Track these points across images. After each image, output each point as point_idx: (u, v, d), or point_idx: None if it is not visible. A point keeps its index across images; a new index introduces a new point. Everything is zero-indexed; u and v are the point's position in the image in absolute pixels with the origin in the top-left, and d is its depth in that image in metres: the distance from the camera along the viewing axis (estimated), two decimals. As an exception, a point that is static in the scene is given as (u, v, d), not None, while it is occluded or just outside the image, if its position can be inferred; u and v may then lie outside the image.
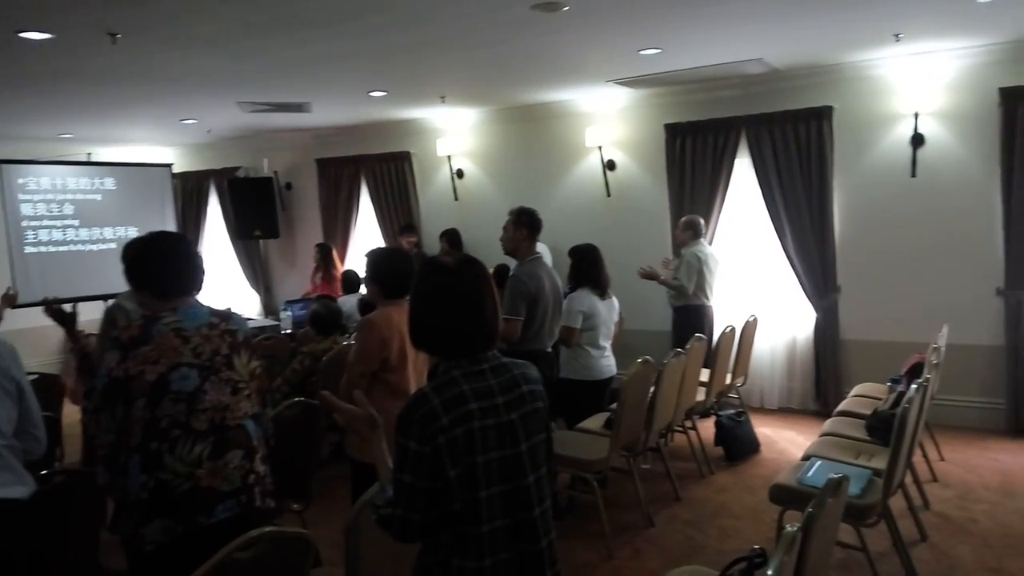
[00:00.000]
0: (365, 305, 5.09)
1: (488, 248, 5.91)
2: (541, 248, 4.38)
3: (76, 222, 8.20)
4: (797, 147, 5.90)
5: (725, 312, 6.01)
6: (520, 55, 5.09)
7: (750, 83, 6.07)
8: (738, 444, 5.05)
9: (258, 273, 9.33)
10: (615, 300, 4.57)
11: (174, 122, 7.42)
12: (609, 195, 6.93)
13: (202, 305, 2.34)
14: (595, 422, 4.29)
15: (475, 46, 4.81)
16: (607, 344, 4.46)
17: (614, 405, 4.09)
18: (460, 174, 7.82)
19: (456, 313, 1.65)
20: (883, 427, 3.69)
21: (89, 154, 8.65)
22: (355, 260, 8.34)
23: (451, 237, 7.34)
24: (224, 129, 8.11)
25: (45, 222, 7.99)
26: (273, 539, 1.92)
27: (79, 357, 3.01)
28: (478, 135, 7.70)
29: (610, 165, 6.88)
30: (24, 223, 7.83)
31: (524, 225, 4.09)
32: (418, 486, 1.56)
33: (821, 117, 5.80)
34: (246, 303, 9.21)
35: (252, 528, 2.20)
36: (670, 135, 6.45)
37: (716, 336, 5.40)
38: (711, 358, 5.07)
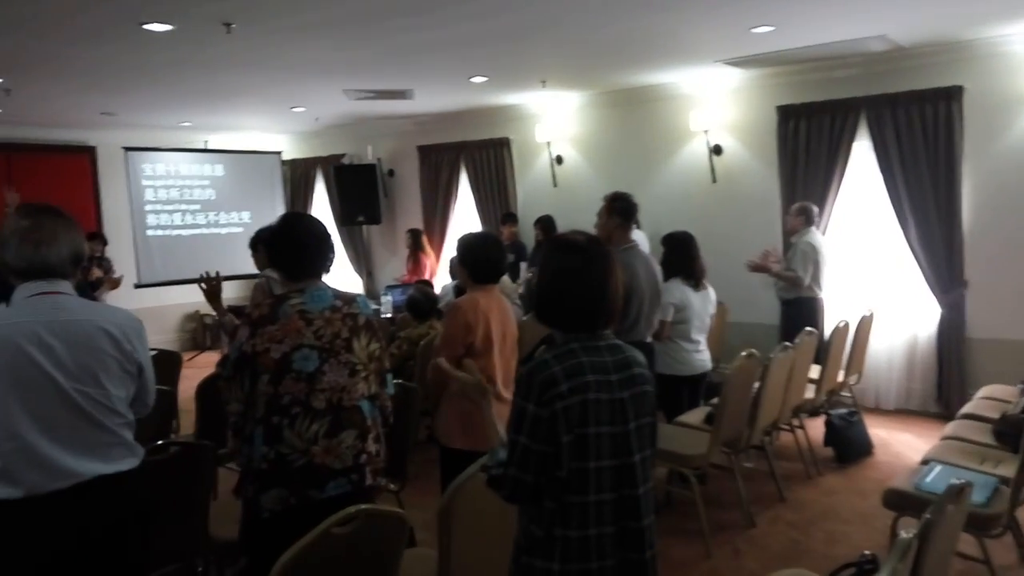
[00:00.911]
0: (460, 291, 5.11)
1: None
2: (639, 236, 4.25)
3: (196, 207, 8.65)
4: (923, 130, 5.49)
5: (839, 306, 5.69)
6: (624, 37, 4.95)
7: (872, 61, 5.69)
8: (849, 445, 4.78)
9: (361, 258, 9.58)
10: (711, 291, 4.38)
11: (285, 110, 7.69)
12: (715, 181, 6.68)
13: (328, 288, 2.41)
14: (695, 416, 4.14)
15: (578, 29, 4.71)
16: (701, 338, 4.27)
17: (715, 400, 3.94)
18: (559, 160, 7.74)
19: (583, 289, 1.71)
20: (1013, 432, 3.41)
21: (206, 141, 9.10)
22: (453, 247, 8.42)
23: (545, 225, 7.29)
24: (331, 117, 8.34)
25: (165, 206, 8.48)
26: (370, 516, 1.95)
27: (231, 329, 3.19)
28: (578, 120, 7.60)
29: (716, 150, 6.63)
30: (147, 207, 8.32)
31: (617, 212, 3.95)
32: (532, 448, 1.62)
33: (950, 98, 5.37)
34: (350, 287, 9.47)
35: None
36: (782, 118, 6.14)
37: (828, 331, 5.12)
38: (822, 354, 4.80)
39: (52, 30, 4.22)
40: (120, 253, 8.09)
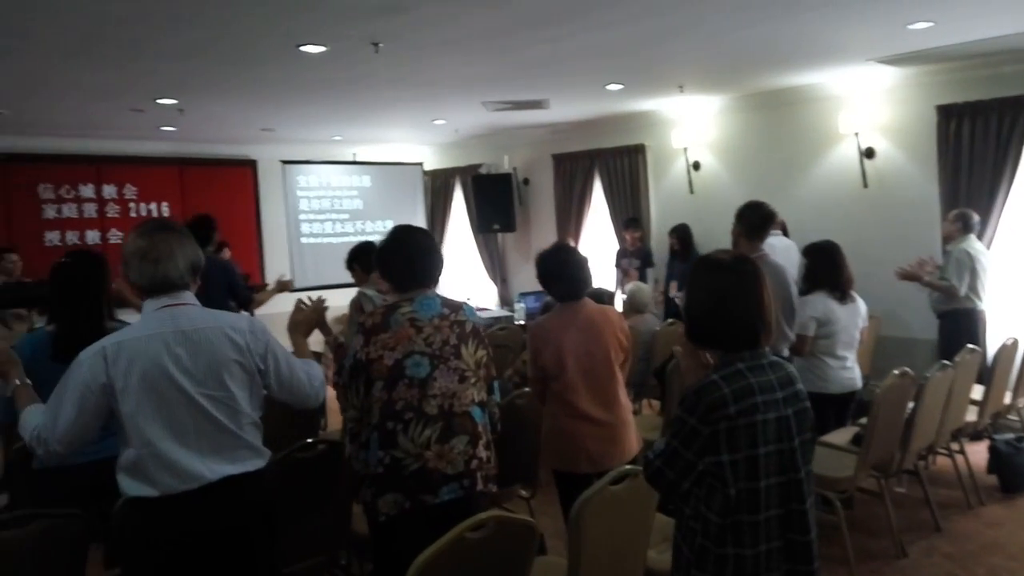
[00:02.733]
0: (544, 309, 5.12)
1: (722, 243, 5.64)
2: (781, 244, 4.07)
3: (345, 216, 9.16)
4: (1111, 127, 4.92)
5: (1007, 322, 5.20)
6: (769, 38, 4.78)
7: (1048, 54, 5.17)
8: (1016, 473, 4.35)
9: (495, 265, 9.79)
10: (861, 304, 4.09)
11: (426, 122, 7.99)
12: (866, 186, 6.29)
13: (437, 296, 2.48)
14: (841, 436, 3.92)
15: (720, 32, 4.60)
16: (848, 354, 3.99)
17: (863, 419, 3.71)
18: (696, 166, 7.56)
19: (740, 309, 1.75)
20: None
21: (354, 154, 9.61)
22: (590, 255, 8.42)
23: (681, 234, 7.15)
24: (469, 128, 8.58)
25: (317, 215, 9.03)
26: (501, 523, 1.98)
27: (335, 347, 3.37)
28: (717, 124, 7.39)
29: (868, 153, 6.24)
30: (300, 216, 8.90)
31: (741, 221, 3.83)
32: (681, 453, 1.72)
33: None
34: (484, 293, 9.70)
35: (474, 511, 2.31)
36: (943, 118, 5.70)
37: (991, 346, 4.69)
38: (986, 373, 4.40)
39: (220, 55, 4.62)
40: (276, 259, 8.72)
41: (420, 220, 9.60)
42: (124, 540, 2.09)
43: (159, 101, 5.89)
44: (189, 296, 2.11)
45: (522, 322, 7.01)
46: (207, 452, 2.03)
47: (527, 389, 3.48)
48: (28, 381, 2.17)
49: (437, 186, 10.18)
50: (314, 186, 9.01)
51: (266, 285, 7.24)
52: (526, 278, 9.29)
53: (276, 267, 8.11)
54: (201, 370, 2.03)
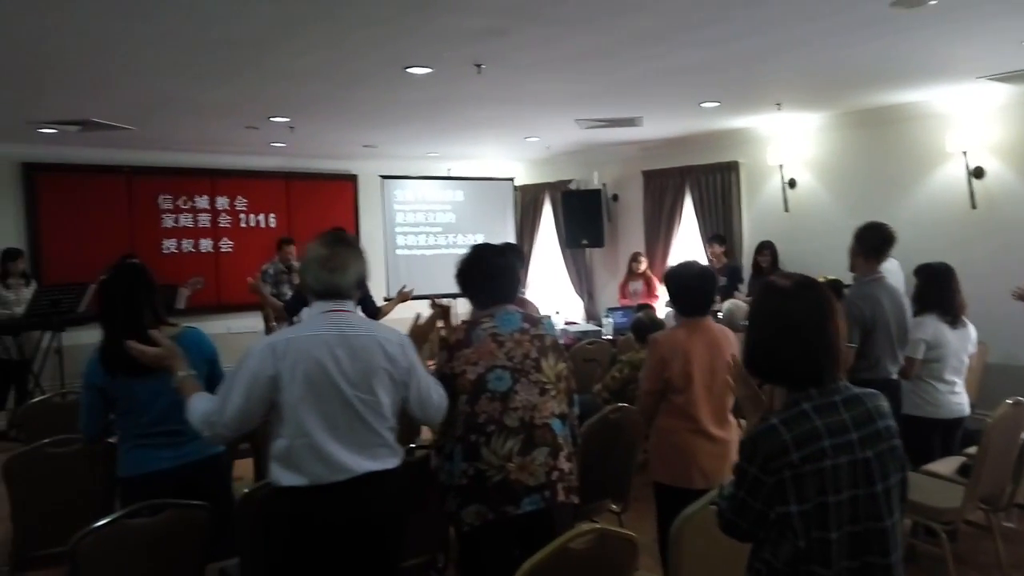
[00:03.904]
0: (633, 326, 5.10)
1: (817, 262, 5.56)
2: (891, 265, 3.97)
3: (438, 229, 9.41)
4: None
5: None
6: (876, 56, 4.69)
7: None
8: None
9: (583, 280, 9.83)
10: (971, 328, 3.96)
11: (519, 139, 8.16)
12: (975, 207, 6.03)
13: (517, 311, 2.57)
14: (947, 466, 3.77)
15: (824, 50, 4.55)
16: (957, 379, 3.87)
17: (971, 449, 3.57)
18: (792, 184, 7.42)
19: (799, 341, 1.60)
20: None
21: (449, 169, 9.87)
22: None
23: (773, 251, 7.04)
24: (560, 144, 8.69)
25: (412, 228, 9.31)
26: (603, 536, 2.02)
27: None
28: (815, 141, 7.24)
29: (977, 172, 5.99)
30: (397, 229, 9.20)
31: (861, 242, 3.77)
32: (750, 504, 1.60)
33: None
34: (571, 308, 9.75)
35: (555, 522, 2.38)
36: (1061, 137, 5.42)
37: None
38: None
39: (333, 77, 4.89)
40: (373, 270, 8.98)
41: (510, 234, 9.75)
42: (269, 527, 2.26)
43: (272, 119, 6.25)
44: (351, 305, 2.30)
45: (610, 337, 7.02)
46: (354, 447, 2.18)
47: (621, 404, 3.53)
48: (193, 372, 2.36)
49: (527, 201, 10.32)
50: (410, 200, 9.29)
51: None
52: (612, 293, 9.30)
53: (373, 278, 8.38)
54: (356, 373, 2.19)
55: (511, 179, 9.97)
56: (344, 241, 2.36)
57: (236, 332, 7.53)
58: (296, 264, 6.61)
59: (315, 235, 5.20)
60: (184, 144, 7.68)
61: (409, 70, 4.70)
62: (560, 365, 2.54)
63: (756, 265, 7.20)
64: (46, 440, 3.00)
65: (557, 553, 1.93)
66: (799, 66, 5.01)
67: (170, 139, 7.32)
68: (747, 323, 1.74)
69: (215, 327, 5.41)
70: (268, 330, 6.74)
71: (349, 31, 3.89)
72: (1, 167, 7.42)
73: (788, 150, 7.34)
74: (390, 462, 2.27)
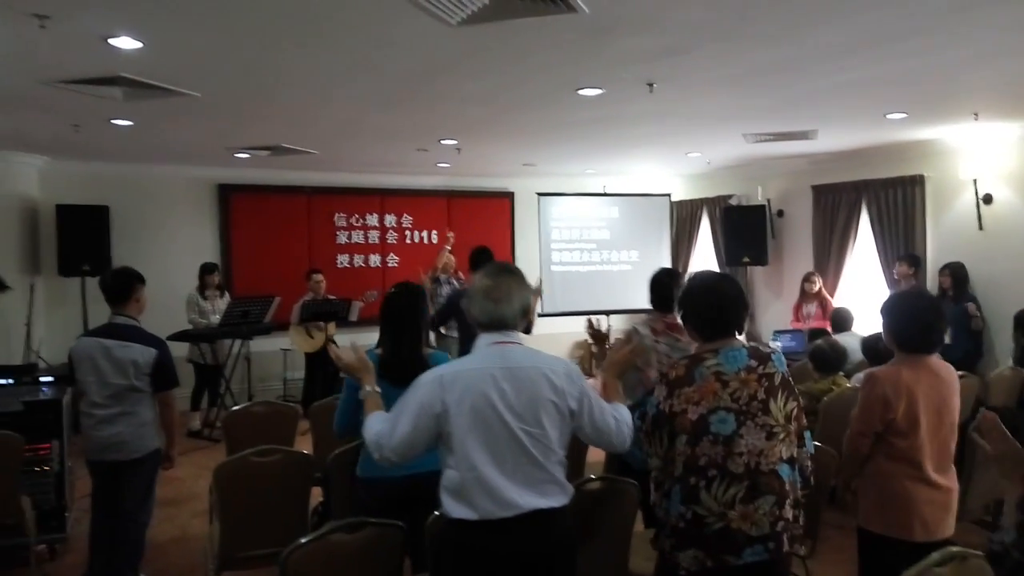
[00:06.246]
0: (868, 348, 4.73)
1: (1016, 284, 5.02)
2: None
3: (592, 246, 9.40)
4: None
5: None
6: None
7: None
8: None
9: (743, 299, 9.44)
10: None
11: (680, 155, 7.98)
12: None
13: (743, 347, 2.36)
14: None
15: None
16: None
17: None
18: (988, 199, 6.75)
19: None
20: None
21: (604, 186, 9.84)
22: (847, 294, 7.87)
23: (955, 272, 6.44)
24: (722, 159, 8.42)
25: (567, 245, 9.34)
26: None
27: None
28: (1016, 154, 6.54)
29: None
30: (552, 245, 9.27)
31: None
32: None
33: None
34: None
35: (779, 573, 2.24)
36: None
37: None
38: None
39: (505, 100, 4.99)
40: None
41: (666, 251, 9.57)
42: (438, 555, 2.30)
43: (442, 142, 6.49)
44: (516, 335, 2.28)
45: (777, 362, 6.69)
46: (521, 483, 2.15)
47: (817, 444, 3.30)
48: (378, 389, 2.46)
49: (683, 216, 10.08)
50: (565, 216, 9.33)
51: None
52: (777, 314, 8.87)
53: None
54: (522, 406, 2.16)
55: (668, 195, 9.78)
56: (508, 270, 2.35)
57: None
58: (443, 277, 6.95)
59: (472, 248, 5.39)
60: (358, 166, 8.15)
61: (581, 92, 4.71)
62: (791, 404, 2.34)
63: (941, 287, 6.63)
64: (251, 450, 3.23)
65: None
66: (1004, 75, 4.54)
67: (347, 161, 7.79)
68: None
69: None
70: (437, 336, 7.15)
71: (525, 55, 3.94)
72: (201, 188, 8.22)
73: (984, 163, 6.68)
74: (558, 499, 2.21)
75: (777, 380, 2.33)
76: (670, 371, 2.37)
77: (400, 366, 2.88)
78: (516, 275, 2.34)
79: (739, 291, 2.46)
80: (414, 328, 2.88)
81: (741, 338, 2.44)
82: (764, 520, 2.23)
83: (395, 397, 2.68)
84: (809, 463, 2.42)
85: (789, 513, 2.29)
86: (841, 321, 6.34)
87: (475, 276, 2.39)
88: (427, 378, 2.23)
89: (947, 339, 6.02)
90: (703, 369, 2.31)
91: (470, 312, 2.31)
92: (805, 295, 7.84)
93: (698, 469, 2.26)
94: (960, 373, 4.95)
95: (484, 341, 2.27)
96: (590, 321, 3.53)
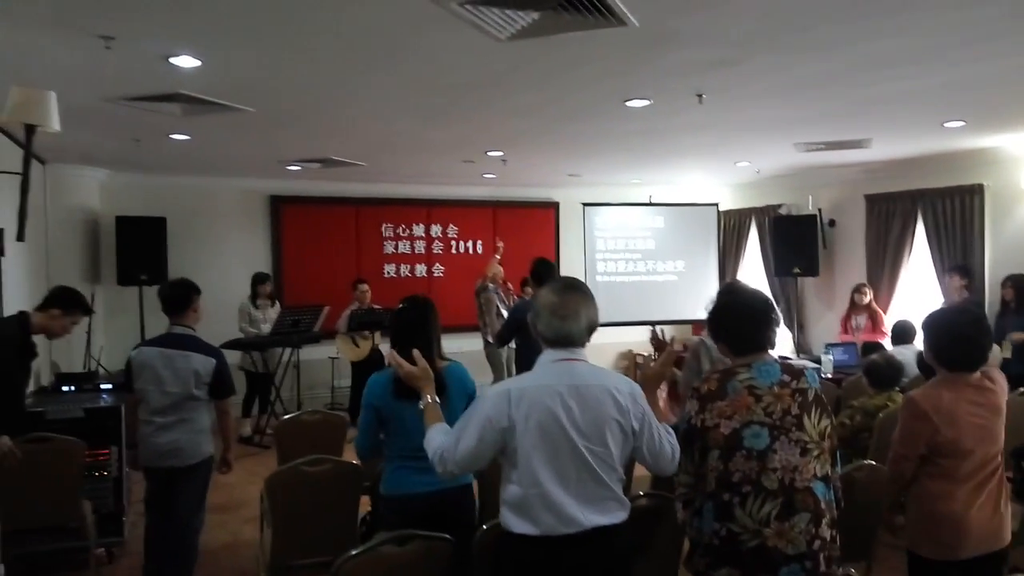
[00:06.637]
0: (921, 364, 4.59)
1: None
2: None
3: (637, 255, 9.32)
4: None
5: None
6: None
7: None
8: None
9: (792, 311, 9.26)
10: None
11: (728, 165, 7.89)
12: None
13: (776, 361, 2.36)
14: None
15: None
16: None
17: None
18: (1051, 209, 6.53)
19: None
20: None
21: (650, 196, 9.76)
22: (903, 306, 7.66)
23: (1017, 283, 6.22)
24: (771, 168, 8.29)
25: (612, 255, 9.29)
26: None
27: (669, 383, 3.37)
28: (1083, 163, 6.33)
29: None
30: (597, 255, 9.22)
31: None
32: None
33: None
34: (778, 339, 9.23)
35: None
36: None
37: None
38: None
39: (553, 112, 5.00)
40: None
41: (712, 261, 9.45)
42: (498, 570, 2.30)
43: (488, 153, 6.53)
44: (582, 353, 2.27)
45: (829, 375, 6.54)
46: (583, 500, 2.16)
47: (867, 462, 3.24)
48: (438, 399, 2.47)
49: (730, 226, 9.94)
50: (610, 226, 9.27)
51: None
52: (827, 326, 8.69)
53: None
54: (587, 424, 2.17)
55: (715, 204, 9.66)
56: (575, 287, 2.34)
57: (445, 353, 7.92)
58: (491, 287, 7.05)
59: (533, 259, 5.41)
60: (405, 177, 8.25)
61: (628, 103, 4.69)
62: (824, 422, 2.31)
63: (1003, 300, 6.41)
64: (301, 460, 3.29)
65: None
66: (1072, 80, 4.39)
67: (394, 173, 7.90)
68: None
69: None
70: (485, 344, 7.24)
71: (573, 68, 3.95)
72: (254, 199, 8.41)
73: (1047, 171, 6.47)
74: (618, 516, 2.23)
75: (811, 396, 2.31)
76: (702, 385, 2.36)
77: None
78: (583, 291, 2.33)
79: (769, 306, 2.43)
80: (424, 342, 2.80)
81: (773, 353, 2.42)
82: (800, 538, 2.19)
83: (407, 412, 2.73)
84: (839, 484, 2.37)
85: (827, 533, 2.24)
86: (903, 333, 6.15)
87: (541, 291, 2.36)
88: (493, 392, 2.24)
89: (1007, 353, 5.92)
90: (736, 383, 2.29)
91: (535, 327, 2.31)
92: (855, 307, 7.66)
93: (731, 485, 2.23)
94: (1020, 390, 4.86)
95: (549, 357, 2.27)
96: (654, 331, 3.55)
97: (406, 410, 2.75)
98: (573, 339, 2.25)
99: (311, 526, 3.28)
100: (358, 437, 2.97)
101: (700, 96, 4.48)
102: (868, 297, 7.61)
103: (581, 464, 2.16)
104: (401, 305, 3.08)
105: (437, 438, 2.29)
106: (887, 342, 6.67)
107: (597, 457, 2.17)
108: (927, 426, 2.63)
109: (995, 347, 5.06)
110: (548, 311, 2.26)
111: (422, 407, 2.46)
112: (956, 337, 2.69)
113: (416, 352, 2.53)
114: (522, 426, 2.16)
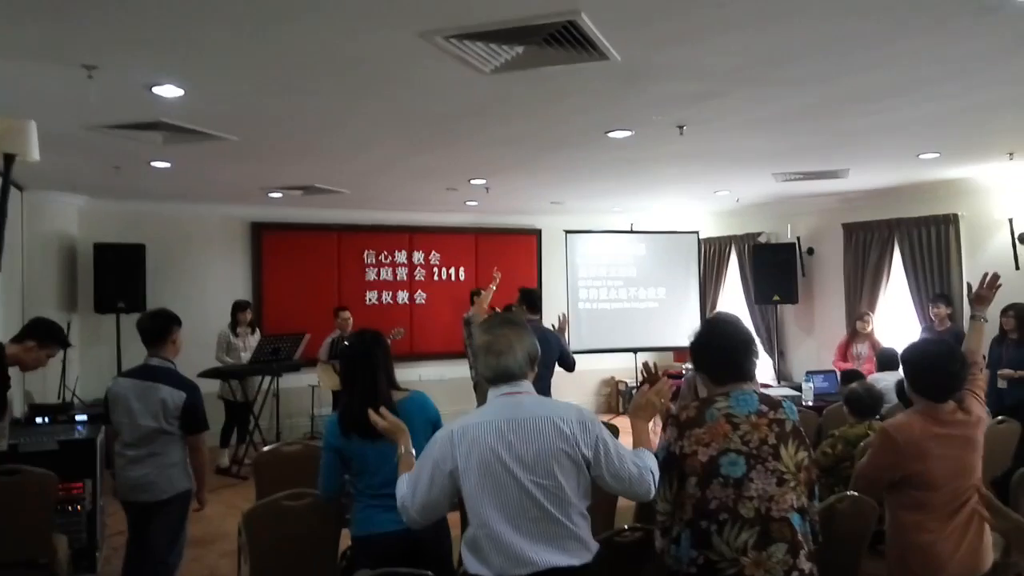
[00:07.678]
0: (901, 393, 4.61)
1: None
2: None
3: (619, 283, 9.37)
4: None
5: None
6: None
7: None
8: None
9: (772, 338, 9.33)
10: None
11: (708, 193, 7.97)
12: None
13: (755, 392, 2.37)
14: None
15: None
16: None
17: None
18: (1023, 239, 6.64)
19: None
20: None
21: (632, 224, 9.84)
22: (881, 333, 7.73)
23: (1020, 313, 6.28)
24: (751, 197, 8.39)
25: (594, 282, 9.33)
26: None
27: (664, 415, 3.35)
28: (1053, 194, 6.46)
29: None
30: (579, 283, 9.26)
31: None
32: None
33: None
34: (758, 367, 9.26)
35: None
36: None
37: None
38: None
39: (535, 142, 5.04)
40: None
41: (693, 289, 9.52)
42: None
43: (472, 182, 6.56)
44: (526, 385, 2.23)
45: (810, 403, 6.57)
46: (536, 539, 2.09)
47: (849, 493, 3.24)
48: (412, 451, 2.43)
49: (710, 253, 10.03)
50: (592, 253, 9.33)
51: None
52: (807, 353, 8.75)
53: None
54: (532, 457, 2.10)
55: (696, 232, 9.76)
56: (507, 322, 2.32)
57: (427, 380, 7.89)
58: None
59: (519, 289, 5.42)
60: (388, 204, 8.24)
61: (610, 134, 4.74)
62: (801, 454, 2.32)
63: (1000, 329, 6.39)
64: (281, 494, 3.23)
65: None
66: (1043, 114, 4.50)
67: (376, 200, 7.89)
68: None
69: (407, 375, 5.67)
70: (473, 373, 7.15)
71: (556, 100, 3.98)
72: (235, 226, 8.36)
73: (1019, 202, 6.60)
74: (580, 557, 2.13)
75: (788, 427, 2.33)
76: (681, 412, 2.37)
77: (353, 421, 2.75)
78: (515, 324, 2.31)
79: (750, 338, 2.46)
80: (366, 379, 2.78)
81: (752, 385, 2.43)
82: (777, 568, 2.19)
83: (367, 450, 2.73)
84: (817, 518, 2.37)
85: (804, 565, 2.23)
86: (888, 361, 6.17)
87: (475, 332, 2.38)
88: (440, 434, 2.22)
89: (1003, 384, 5.92)
90: (714, 411, 2.32)
91: (477, 370, 2.31)
92: (857, 335, 7.64)
93: (709, 513, 2.24)
94: (999, 418, 4.89)
95: (492, 394, 2.24)
96: (646, 363, 3.53)
97: (368, 449, 2.74)
98: (513, 373, 2.21)
99: (290, 561, 3.21)
100: (320, 479, 2.93)
101: (681, 128, 4.54)
102: (871, 325, 7.61)
103: (530, 501, 2.09)
104: (345, 342, 3.06)
105: (401, 487, 2.25)
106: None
107: (546, 491, 2.09)
108: (895, 459, 2.68)
109: (984, 372, 5.07)
110: (483, 351, 2.24)
111: (396, 459, 2.42)
112: (929, 368, 2.74)
113: (383, 410, 2.48)
114: (464, 464, 2.11)
